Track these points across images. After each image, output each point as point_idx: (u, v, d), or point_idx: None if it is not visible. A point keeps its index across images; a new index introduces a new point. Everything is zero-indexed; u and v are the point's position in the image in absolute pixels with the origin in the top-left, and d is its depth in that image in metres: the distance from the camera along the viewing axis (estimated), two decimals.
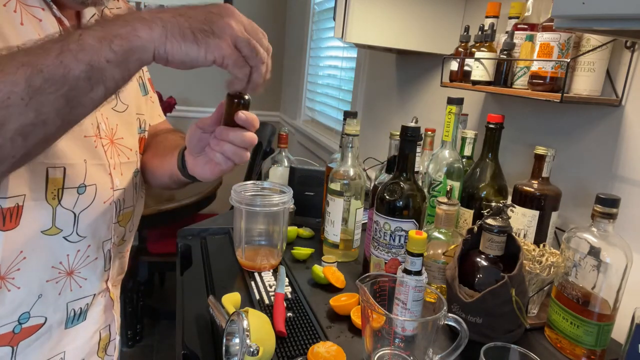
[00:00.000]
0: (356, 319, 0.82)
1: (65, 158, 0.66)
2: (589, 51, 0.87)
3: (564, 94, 0.86)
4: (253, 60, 0.54)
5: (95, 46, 0.48)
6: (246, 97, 0.62)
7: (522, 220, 0.93)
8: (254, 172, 2.50)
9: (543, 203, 0.92)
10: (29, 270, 0.65)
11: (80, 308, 0.74)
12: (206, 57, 0.51)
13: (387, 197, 0.89)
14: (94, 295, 0.76)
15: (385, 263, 0.90)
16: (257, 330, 0.67)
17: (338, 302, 0.86)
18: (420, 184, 1.05)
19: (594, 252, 0.74)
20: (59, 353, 0.72)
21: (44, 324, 0.69)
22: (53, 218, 0.66)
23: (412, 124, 0.88)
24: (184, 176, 0.76)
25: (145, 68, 0.84)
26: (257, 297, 0.90)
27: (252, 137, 0.63)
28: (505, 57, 1.03)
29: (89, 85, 0.49)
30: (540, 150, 0.92)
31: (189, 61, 0.52)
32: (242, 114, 0.62)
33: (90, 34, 0.48)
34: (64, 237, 0.68)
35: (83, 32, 0.48)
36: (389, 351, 0.70)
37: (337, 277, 0.96)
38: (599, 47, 0.87)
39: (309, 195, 1.31)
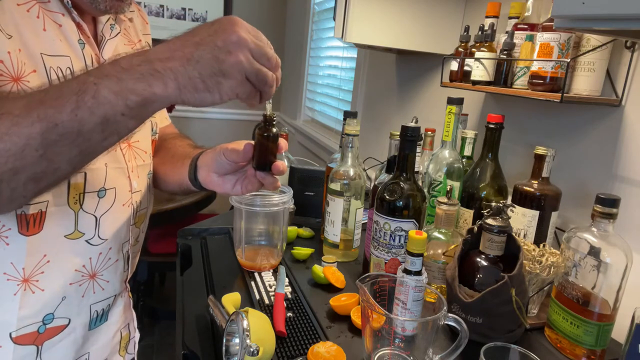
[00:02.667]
0: (356, 319, 0.82)
1: None
2: (589, 51, 0.87)
3: (564, 94, 0.86)
4: (262, 87, 0.54)
5: (111, 100, 0.48)
6: (274, 130, 0.66)
7: (522, 220, 0.93)
8: None
9: (543, 203, 0.92)
10: (53, 273, 0.67)
11: (103, 309, 0.76)
12: (221, 99, 0.52)
13: (387, 197, 0.89)
14: (115, 296, 0.78)
15: (385, 263, 0.90)
16: (257, 330, 0.67)
17: (338, 302, 0.86)
18: (420, 184, 1.05)
19: (594, 252, 0.74)
20: (84, 354, 0.75)
21: (68, 325, 0.71)
22: (75, 222, 0.68)
23: (412, 124, 0.88)
24: (195, 187, 0.78)
25: None
26: (257, 297, 0.90)
27: (284, 167, 0.70)
28: (505, 57, 1.03)
29: (103, 136, 0.50)
30: (540, 150, 0.92)
31: (205, 105, 0.54)
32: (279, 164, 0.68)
33: (106, 85, 0.48)
34: (86, 241, 0.70)
35: (98, 82, 0.48)
36: (389, 351, 0.70)
37: (337, 277, 0.96)
38: (599, 47, 0.87)
39: (309, 195, 1.31)
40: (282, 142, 0.68)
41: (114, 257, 0.75)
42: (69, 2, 0.66)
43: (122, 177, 0.75)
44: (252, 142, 0.69)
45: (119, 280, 0.78)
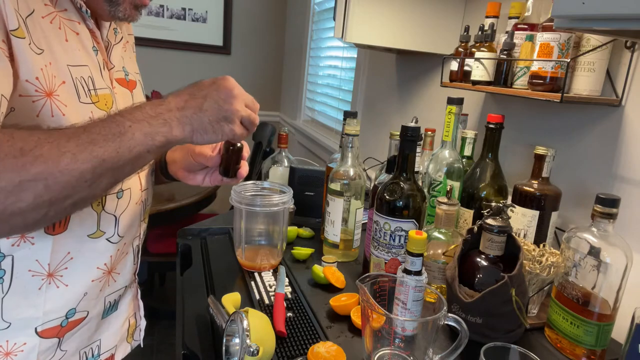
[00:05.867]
0: (356, 319, 0.82)
1: None
2: (589, 51, 0.87)
3: (564, 94, 0.86)
4: (250, 127, 0.69)
5: (143, 141, 0.59)
6: (238, 145, 0.78)
7: (522, 220, 0.93)
8: (254, 172, 2.50)
9: (543, 203, 0.92)
10: (76, 270, 0.71)
11: (115, 300, 0.82)
12: (222, 139, 0.66)
13: (387, 197, 0.89)
14: (125, 287, 0.84)
15: (385, 263, 0.90)
16: (257, 330, 0.67)
17: (338, 302, 0.86)
18: (420, 184, 1.05)
19: (594, 252, 0.74)
20: (96, 341, 0.80)
21: (86, 317, 0.75)
22: (98, 222, 0.72)
23: (412, 124, 0.88)
24: (167, 178, 0.90)
25: (137, 70, 0.88)
26: (257, 297, 0.90)
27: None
28: (505, 57, 1.03)
29: (132, 168, 0.61)
30: (540, 150, 0.92)
31: (210, 144, 0.72)
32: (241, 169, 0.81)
33: (139, 128, 0.59)
34: (107, 239, 0.75)
35: (133, 125, 0.59)
36: (389, 351, 0.70)
37: (337, 277, 0.96)
38: (599, 47, 0.87)
39: (309, 195, 1.31)
40: (245, 150, 0.81)
41: (127, 251, 0.81)
42: (88, 11, 0.69)
43: (135, 177, 0.80)
44: (217, 152, 0.82)
45: (130, 272, 0.84)
